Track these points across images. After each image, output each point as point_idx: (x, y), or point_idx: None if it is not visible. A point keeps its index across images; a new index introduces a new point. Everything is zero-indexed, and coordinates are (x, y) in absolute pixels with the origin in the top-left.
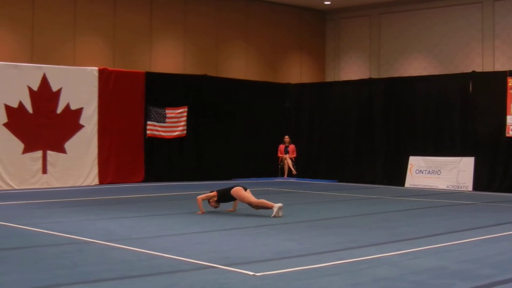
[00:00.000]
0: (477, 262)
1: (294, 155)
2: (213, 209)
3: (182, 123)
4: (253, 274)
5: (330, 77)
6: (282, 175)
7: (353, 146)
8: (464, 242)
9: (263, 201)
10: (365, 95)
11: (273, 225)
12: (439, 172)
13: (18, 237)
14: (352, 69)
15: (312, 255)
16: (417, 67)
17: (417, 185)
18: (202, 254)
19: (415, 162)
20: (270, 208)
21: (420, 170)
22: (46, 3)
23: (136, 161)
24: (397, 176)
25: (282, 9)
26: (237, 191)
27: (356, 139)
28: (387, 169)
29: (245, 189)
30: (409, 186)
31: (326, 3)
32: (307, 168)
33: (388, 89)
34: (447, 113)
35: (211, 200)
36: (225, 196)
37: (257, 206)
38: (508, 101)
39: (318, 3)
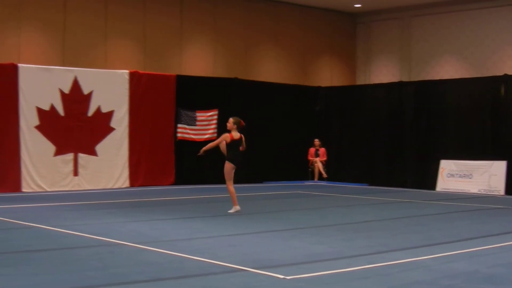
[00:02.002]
0: (510, 267)
1: (325, 159)
2: (243, 211)
3: (213, 126)
4: (284, 277)
5: (361, 80)
6: (313, 178)
7: (383, 150)
8: (497, 246)
9: (233, 194)
10: (395, 98)
11: (303, 228)
12: (470, 176)
13: (49, 239)
14: (383, 72)
15: (342, 258)
16: (448, 70)
17: (448, 189)
18: (232, 257)
19: (446, 166)
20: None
21: (452, 174)
22: (77, 6)
23: (167, 163)
24: (428, 179)
25: (312, 12)
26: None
27: (387, 142)
28: (418, 173)
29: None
30: (440, 190)
31: (356, 6)
32: (338, 171)
33: (419, 92)
34: (479, 116)
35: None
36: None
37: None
38: None
39: (348, 6)
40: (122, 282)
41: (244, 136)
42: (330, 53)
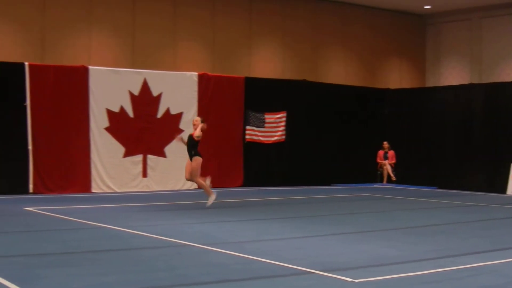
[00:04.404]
0: None
1: (394, 161)
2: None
3: (281, 128)
4: (352, 281)
5: (430, 82)
6: (381, 181)
7: (453, 152)
8: None
9: (204, 184)
10: (465, 100)
11: (371, 231)
12: None
13: (117, 239)
14: (452, 74)
15: (410, 262)
16: None
17: None
18: (300, 260)
19: None
20: (207, 194)
21: None
22: (146, 8)
23: (235, 165)
24: (499, 183)
25: (381, 13)
26: (188, 166)
27: (456, 145)
28: (488, 176)
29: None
30: (510, 193)
31: (426, 7)
32: (406, 174)
33: (489, 94)
34: None
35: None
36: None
37: (193, 181)
38: None
39: (417, 8)
40: (188, 283)
41: (313, 137)
42: (399, 55)
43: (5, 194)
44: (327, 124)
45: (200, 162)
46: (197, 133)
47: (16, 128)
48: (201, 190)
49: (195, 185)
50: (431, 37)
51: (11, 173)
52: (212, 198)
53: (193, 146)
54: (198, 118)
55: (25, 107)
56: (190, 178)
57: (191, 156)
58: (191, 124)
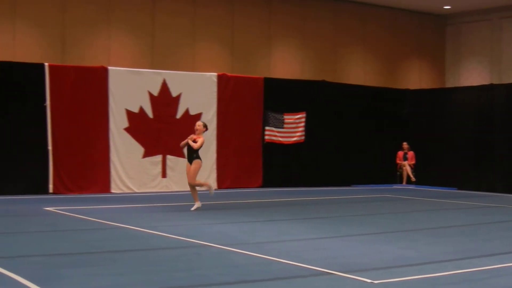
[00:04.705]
0: None
1: (413, 162)
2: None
3: (301, 129)
4: (371, 282)
5: (450, 83)
6: (401, 182)
7: (472, 153)
8: None
9: (195, 192)
10: (485, 101)
11: (390, 232)
12: None
13: (136, 240)
14: (473, 75)
15: (430, 263)
16: None
17: None
18: (319, 260)
19: None
20: (194, 199)
21: None
22: (166, 9)
23: (255, 166)
24: None
25: (400, 14)
26: (189, 169)
27: (476, 146)
28: (508, 177)
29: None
30: None
31: (445, 7)
32: (426, 175)
33: (510, 95)
34: None
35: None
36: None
37: (190, 185)
38: None
39: (437, 8)
40: (207, 284)
41: (332, 138)
42: (418, 56)
43: (25, 194)
44: (346, 124)
45: (199, 165)
46: (197, 146)
47: (36, 128)
48: (218, 191)
49: (214, 186)
50: (451, 38)
51: (31, 174)
52: (196, 206)
53: (194, 150)
54: (201, 123)
55: (45, 107)
56: (193, 182)
57: (191, 160)
58: (210, 125)
